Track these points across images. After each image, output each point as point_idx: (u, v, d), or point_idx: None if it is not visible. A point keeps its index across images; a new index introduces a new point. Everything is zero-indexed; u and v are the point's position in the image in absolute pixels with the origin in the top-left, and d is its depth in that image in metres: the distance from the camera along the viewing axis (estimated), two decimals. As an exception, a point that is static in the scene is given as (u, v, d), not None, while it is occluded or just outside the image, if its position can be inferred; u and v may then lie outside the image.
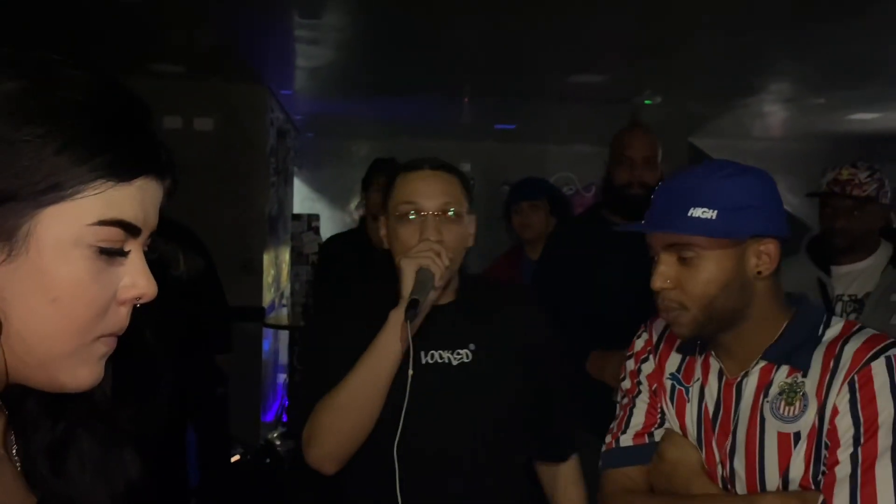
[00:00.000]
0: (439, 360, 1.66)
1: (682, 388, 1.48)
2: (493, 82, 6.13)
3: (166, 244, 3.15)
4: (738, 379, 1.40)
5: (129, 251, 0.70)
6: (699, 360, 1.47)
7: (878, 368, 1.27)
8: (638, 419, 1.52)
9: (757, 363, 1.38)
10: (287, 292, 6.38)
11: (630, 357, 1.58)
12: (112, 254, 0.68)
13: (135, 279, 0.71)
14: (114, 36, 4.65)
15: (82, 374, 0.70)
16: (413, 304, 1.52)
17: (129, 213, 0.68)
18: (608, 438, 1.56)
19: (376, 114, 7.74)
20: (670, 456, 1.45)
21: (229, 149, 5.97)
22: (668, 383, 1.50)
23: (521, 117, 7.91)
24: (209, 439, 4.21)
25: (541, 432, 1.82)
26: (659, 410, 1.51)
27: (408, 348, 1.56)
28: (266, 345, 6.15)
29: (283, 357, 6.78)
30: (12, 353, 0.66)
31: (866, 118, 7.49)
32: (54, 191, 0.65)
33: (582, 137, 8.38)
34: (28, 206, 0.65)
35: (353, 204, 9.21)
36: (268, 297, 6.17)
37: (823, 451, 1.28)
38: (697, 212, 1.34)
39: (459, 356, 1.67)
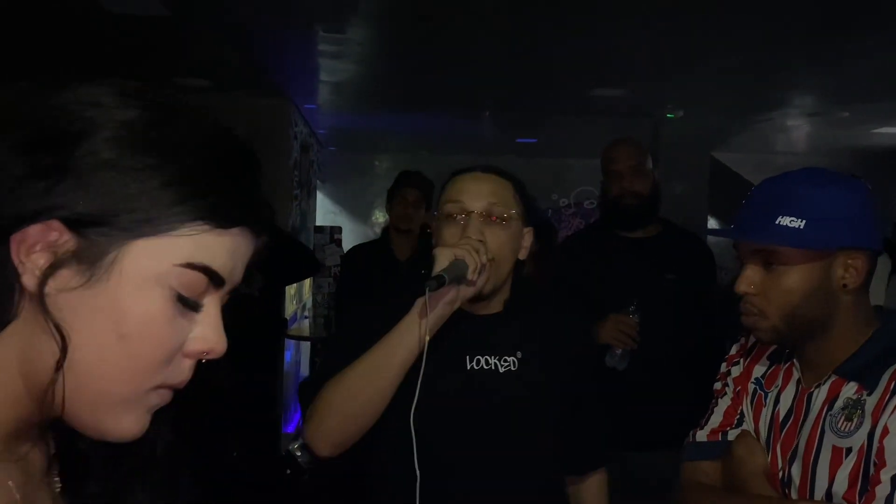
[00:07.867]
0: (485, 367, 1.63)
1: (762, 393, 1.51)
2: (514, 96, 6.14)
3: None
4: (811, 390, 1.40)
5: (205, 305, 0.67)
6: (783, 368, 1.49)
7: None
8: (717, 418, 1.56)
9: (830, 377, 1.38)
10: (309, 304, 6.42)
11: (724, 360, 1.61)
12: (188, 305, 0.65)
13: (205, 332, 0.67)
14: (139, 49, 4.71)
15: (127, 423, 0.66)
16: (437, 278, 1.41)
17: (218, 261, 0.66)
18: (691, 433, 1.59)
19: (398, 128, 7.77)
20: (738, 454, 1.49)
21: (253, 162, 6.02)
22: (751, 387, 1.53)
23: (543, 131, 7.91)
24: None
25: (572, 443, 1.79)
26: (738, 412, 1.54)
27: (425, 325, 1.48)
28: (288, 356, 6.18)
29: (305, 369, 6.80)
30: (67, 385, 0.62)
31: (892, 132, 7.43)
32: (150, 223, 0.62)
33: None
34: (121, 235, 0.62)
35: (378, 216, 9.26)
36: (290, 308, 6.20)
37: (871, 470, 1.28)
38: (785, 220, 1.31)
39: (507, 364, 1.65)
